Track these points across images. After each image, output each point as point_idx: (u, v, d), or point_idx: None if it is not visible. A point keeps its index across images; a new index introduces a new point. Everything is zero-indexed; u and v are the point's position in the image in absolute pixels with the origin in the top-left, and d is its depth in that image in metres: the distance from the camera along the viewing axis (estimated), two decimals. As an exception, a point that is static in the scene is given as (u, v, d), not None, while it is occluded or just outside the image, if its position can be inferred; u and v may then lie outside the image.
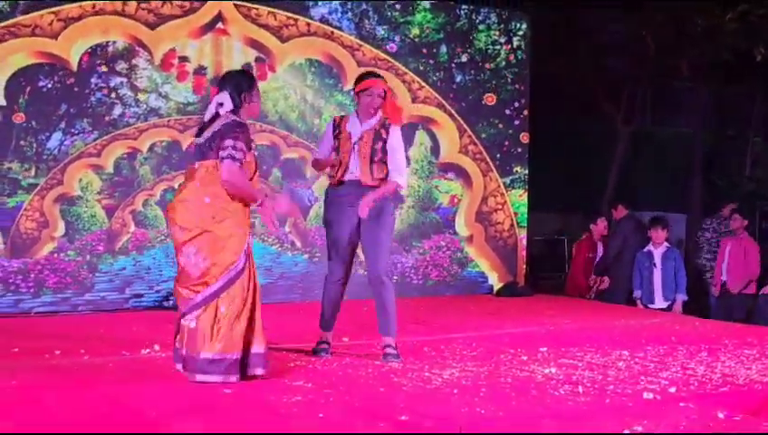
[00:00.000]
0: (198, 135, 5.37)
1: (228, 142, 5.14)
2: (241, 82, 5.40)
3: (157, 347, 6.22)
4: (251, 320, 5.20)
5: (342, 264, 6.14)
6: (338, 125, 6.05)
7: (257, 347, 5.20)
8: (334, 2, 9.68)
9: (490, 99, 10.57)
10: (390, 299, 6.08)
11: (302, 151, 9.61)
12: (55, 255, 8.56)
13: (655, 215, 9.72)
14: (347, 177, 5.92)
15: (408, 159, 10.08)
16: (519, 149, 10.79)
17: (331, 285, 6.20)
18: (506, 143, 10.70)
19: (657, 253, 9.18)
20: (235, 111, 5.34)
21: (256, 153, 5.45)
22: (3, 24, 8.22)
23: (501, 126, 10.67)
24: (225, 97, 5.36)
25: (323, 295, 6.23)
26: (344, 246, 6.06)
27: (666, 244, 9.24)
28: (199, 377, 5.06)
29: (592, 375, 5.45)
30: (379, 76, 6.13)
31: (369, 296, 9.51)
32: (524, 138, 10.79)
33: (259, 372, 5.18)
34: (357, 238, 6.04)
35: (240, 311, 5.16)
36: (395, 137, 5.94)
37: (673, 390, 5.07)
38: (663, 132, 15.18)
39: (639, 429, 4.19)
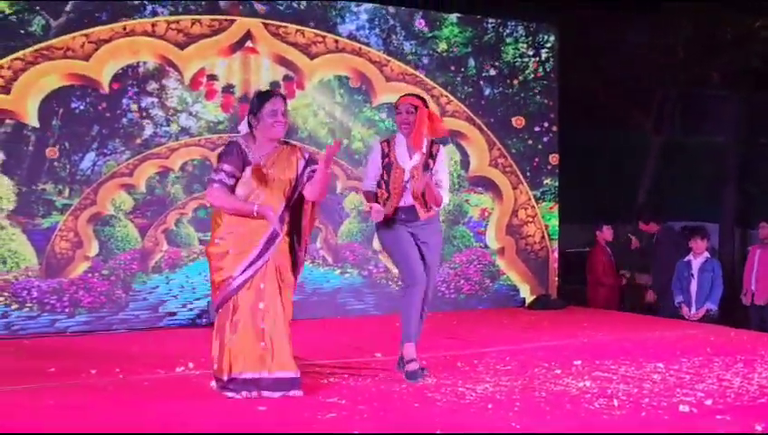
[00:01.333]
0: None
1: (216, 166, 5.42)
2: (251, 105, 5.48)
3: (191, 365, 6.26)
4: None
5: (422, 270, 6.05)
6: (386, 154, 6.02)
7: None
8: (362, 17, 9.72)
9: (519, 121, 10.57)
10: (423, 317, 6.29)
11: (331, 167, 9.61)
12: (89, 274, 8.63)
13: (695, 225, 9.66)
14: (402, 203, 5.99)
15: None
16: (549, 162, 10.76)
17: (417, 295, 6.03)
18: (536, 156, 10.69)
19: (696, 263, 9.11)
20: (250, 134, 5.42)
21: (265, 169, 5.39)
22: (36, 47, 8.32)
23: (530, 139, 10.66)
24: (244, 123, 5.55)
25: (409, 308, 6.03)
26: (417, 256, 6.03)
27: (706, 254, 9.15)
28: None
29: (627, 388, 5.42)
30: (412, 94, 6.23)
31: (397, 312, 9.54)
32: (554, 159, 10.78)
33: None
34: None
35: (225, 330, 5.23)
36: (440, 161, 6.07)
37: (709, 402, 5.03)
38: (694, 142, 15.06)
39: (676, 442, 4.16)
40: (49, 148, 8.47)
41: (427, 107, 6.07)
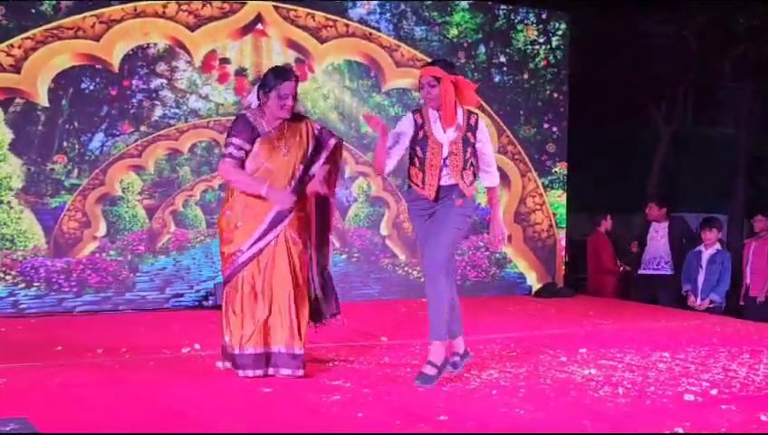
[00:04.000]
0: None
1: (226, 141, 5.37)
2: (264, 80, 5.44)
3: (197, 346, 6.27)
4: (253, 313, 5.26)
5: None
6: (420, 126, 5.39)
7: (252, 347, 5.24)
8: (372, 2, 9.70)
9: (527, 129, 10.56)
10: (430, 299, 5.33)
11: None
12: (97, 254, 8.65)
13: (707, 216, 9.63)
14: (442, 183, 5.33)
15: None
16: (558, 150, 10.74)
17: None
18: (545, 143, 10.66)
19: (706, 254, 9.08)
20: (259, 107, 5.40)
21: (275, 141, 5.35)
22: (46, 27, 8.33)
23: (540, 126, 10.63)
24: (253, 94, 5.52)
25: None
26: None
27: (717, 246, 9.12)
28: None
29: (632, 377, 5.42)
30: (434, 62, 5.52)
31: (406, 297, 9.58)
32: (563, 147, 10.77)
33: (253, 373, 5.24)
34: None
35: (234, 304, 5.26)
36: (481, 131, 5.42)
37: (714, 392, 5.02)
38: (705, 132, 15.06)
39: (680, 430, 4.15)
40: (57, 155, 8.50)
41: (454, 73, 5.33)
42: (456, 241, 5.41)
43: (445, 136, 5.31)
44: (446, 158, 5.31)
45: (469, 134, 5.35)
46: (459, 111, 5.34)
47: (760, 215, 9.41)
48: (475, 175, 5.43)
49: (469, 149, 5.35)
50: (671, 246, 9.58)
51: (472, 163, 5.39)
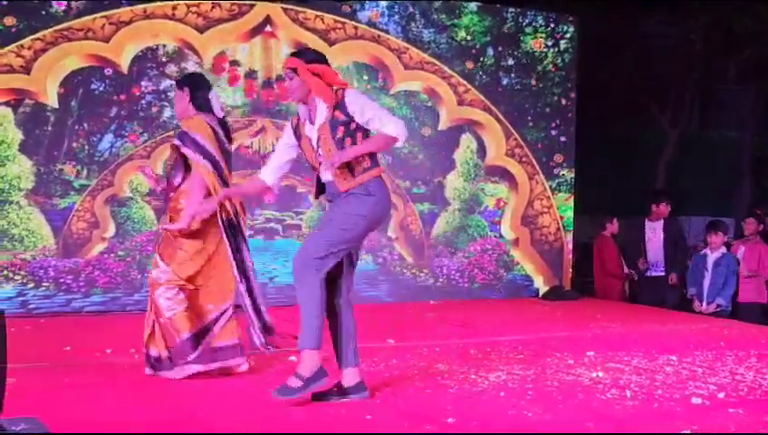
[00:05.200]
0: (231, 139, 5.60)
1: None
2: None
3: (205, 347, 6.27)
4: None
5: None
6: (296, 128, 4.98)
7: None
8: (382, 3, 9.71)
9: (535, 132, 10.56)
10: (300, 300, 4.81)
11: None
12: (105, 255, 8.68)
13: (713, 219, 9.60)
14: (323, 179, 4.88)
15: (453, 161, 10.10)
16: (565, 153, 10.74)
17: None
18: (553, 146, 10.67)
19: (711, 258, 9.05)
20: None
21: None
22: (56, 28, 8.36)
23: (547, 129, 10.64)
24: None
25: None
26: None
27: (722, 249, 9.08)
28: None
29: (640, 380, 5.42)
30: (292, 54, 5.04)
31: (413, 299, 9.58)
32: (571, 150, 10.77)
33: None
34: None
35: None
36: (352, 102, 4.74)
37: (722, 395, 5.02)
38: (710, 135, 15.05)
39: (688, 433, 4.16)
40: (68, 166, 8.54)
41: (309, 61, 4.83)
42: (335, 241, 4.66)
43: (313, 128, 4.82)
44: (318, 150, 4.81)
45: (337, 112, 4.71)
46: (324, 95, 4.75)
47: (751, 217, 9.38)
48: (368, 159, 4.74)
49: (340, 129, 4.70)
50: (664, 248, 9.59)
51: (353, 144, 4.70)
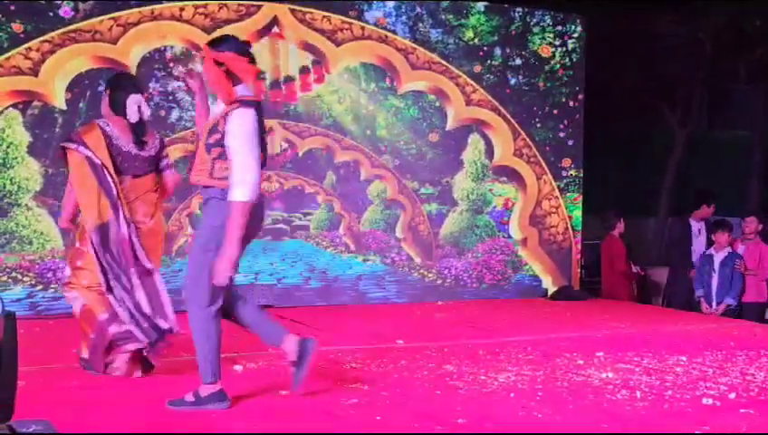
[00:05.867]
0: (142, 143, 5.52)
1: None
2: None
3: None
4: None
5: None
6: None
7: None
8: (389, 3, 9.70)
9: (543, 132, 10.54)
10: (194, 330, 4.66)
11: (356, 155, 9.64)
12: (114, 256, 8.66)
13: (717, 219, 9.55)
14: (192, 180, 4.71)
15: (461, 161, 10.09)
16: (574, 152, 10.72)
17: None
18: (561, 146, 10.64)
19: (718, 257, 9.01)
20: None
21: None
22: (63, 30, 8.36)
23: (555, 129, 10.62)
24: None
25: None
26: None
27: (728, 248, 9.04)
28: None
29: (650, 380, 5.41)
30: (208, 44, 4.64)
31: (422, 300, 9.59)
32: (579, 150, 10.73)
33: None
34: None
35: None
36: (235, 122, 4.40)
37: (733, 396, 5.01)
38: (720, 135, 15.00)
39: (699, 434, 4.14)
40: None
41: (217, 48, 4.51)
42: (202, 263, 4.47)
43: (206, 125, 4.61)
44: (198, 141, 4.66)
45: (221, 119, 4.44)
46: (229, 93, 4.48)
47: (752, 216, 9.33)
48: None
49: (214, 137, 4.44)
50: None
51: (221, 156, 4.43)
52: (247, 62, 4.53)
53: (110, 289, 5.25)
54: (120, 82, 5.66)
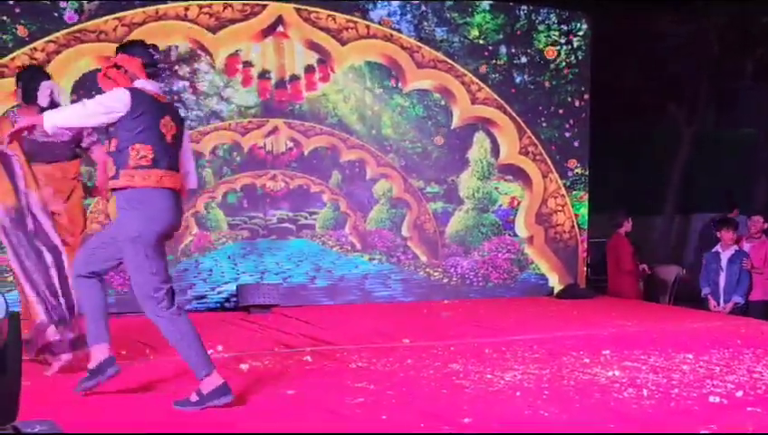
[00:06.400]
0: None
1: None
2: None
3: (220, 348, 6.28)
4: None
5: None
6: None
7: None
8: (394, 2, 9.69)
9: (549, 131, 10.52)
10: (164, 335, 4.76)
11: (361, 154, 9.63)
12: (120, 256, 8.67)
13: (722, 216, 9.51)
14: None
15: (466, 160, 10.08)
16: (580, 150, 10.69)
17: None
18: (567, 144, 10.62)
19: (725, 255, 8.97)
20: None
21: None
22: (69, 30, 8.37)
23: (561, 127, 10.59)
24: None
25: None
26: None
27: (735, 246, 9.00)
28: None
29: (657, 378, 5.38)
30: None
31: (428, 298, 9.57)
32: (585, 148, 10.70)
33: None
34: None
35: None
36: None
37: (740, 394, 4.98)
38: (725, 133, 14.96)
39: (706, 433, 4.12)
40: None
41: (127, 53, 4.81)
42: (135, 267, 4.57)
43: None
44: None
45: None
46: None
47: (758, 215, 9.29)
48: (133, 163, 4.55)
49: (111, 129, 4.67)
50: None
51: (118, 149, 4.60)
52: (133, 59, 4.77)
53: (24, 270, 5.34)
54: (29, 74, 5.90)
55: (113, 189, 4.64)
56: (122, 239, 4.57)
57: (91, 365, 4.72)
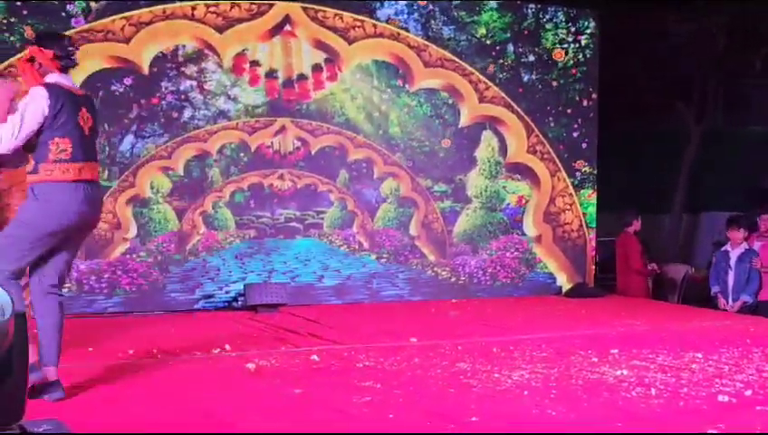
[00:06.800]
0: None
1: None
2: None
3: (227, 347, 6.28)
4: None
5: None
6: None
7: None
8: (401, 1, 9.67)
9: (556, 129, 10.49)
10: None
11: (369, 153, 9.62)
12: (127, 256, 8.69)
13: (731, 215, 9.46)
14: None
15: (474, 159, 10.07)
16: (588, 149, 10.66)
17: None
18: (574, 143, 10.59)
19: (734, 254, 8.94)
20: None
21: None
22: (76, 30, 8.37)
23: (569, 125, 10.57)
24: None
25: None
26: None
27: (744, 245, 8.97)
28: None
29: (665, 377, 5.37)
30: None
31: (435, 298, 9.57)
32: (593, 146, 10.65)
33: None
34: None
35: None
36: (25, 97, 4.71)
37: (749, 393, 4.96)
38: (734, 130, 14.90)
39: (714, 432, 4.11)
40: None
41: (38, 46, 4.83)
42: (9, 252, 4.61)
43: None
44: None
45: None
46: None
47: (766, 215, 9.24)
48: (43, 159, 4.64)
49: None
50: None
51: (38, 143, 4.65)
52: (43, 51, 4.76)
53: None
54: None
55: (31, 183, 4.67)
56: (17, 218, 4.69)
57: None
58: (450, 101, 9.97)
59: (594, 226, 10.77)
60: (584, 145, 10.64)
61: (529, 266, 10.43)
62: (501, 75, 10.19)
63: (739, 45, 12.64)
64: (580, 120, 10.61)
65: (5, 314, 2.85)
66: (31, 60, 4.78)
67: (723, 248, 9.15)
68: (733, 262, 8.94)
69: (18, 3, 8.20)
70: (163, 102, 8.85)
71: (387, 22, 9.62)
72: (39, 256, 4.68)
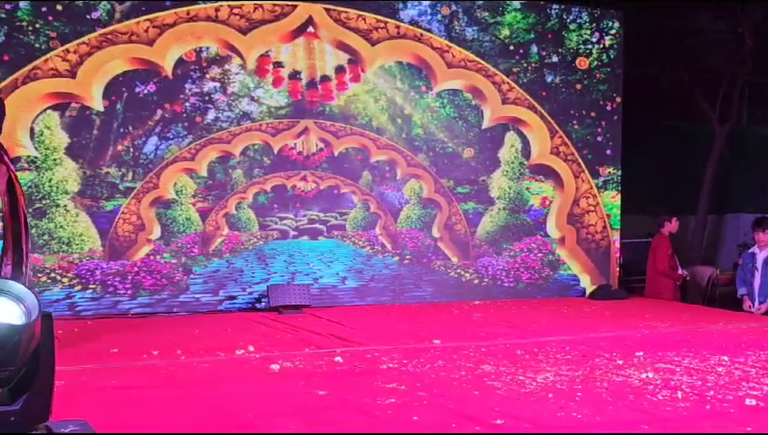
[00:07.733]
0: None
1: None
2: None
3: (251, 348, 6.29)
4: None
5: None
6: None
7: None
8: (424, 2, 9.66)
9: (581, 131, 10.44)
10: None
11: (392, 154, 9.61)
12: (151, 257, 8.72)
13: (759, 217, 9.38)
14: None
15: (498, 160, 10.04)
16: (612, 150, 10.61)
17: None
18: (599, 144, 10.54)
19: (761, 256, 8.87)
20: None
21: None
22: (101, 32, 8.41)
23: (593, 127, 10.51)
24: None
25: None
26: None
27: None
28: None
29: (691, 380, 5.33)
30: None
31: (458, 299, 9.54)
32: (617, 147, 10.60)
33: None
34: None
35: None
36: None
37: (776, 396, 4.92)
38: (760, 131, 14.78)
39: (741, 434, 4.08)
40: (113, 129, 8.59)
41: None
42: None
43: None
44: None
45: None
46: None
47: None
48: None
49: None
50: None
51: None
52: None
53: None
54: None
55: None
56: None
57: None
58: (473, 102, 9.95)
59: (618, 227, 10.70)
60: (609, 146, 10.57)
61: (553, 268, 10.38)
62: (524, 76, 10.15)
63: (765, 45, 12.54)
64: (603, 122, 10.55)
65: (33, 316, 2.86)
66: None
67: (749, 250, 9.08)
68: (759, 264, 8.87)
69: (44, 9, 8.24)
70: (187, 104, 8.88)
71: (410, 23, 9.58)
72: None
